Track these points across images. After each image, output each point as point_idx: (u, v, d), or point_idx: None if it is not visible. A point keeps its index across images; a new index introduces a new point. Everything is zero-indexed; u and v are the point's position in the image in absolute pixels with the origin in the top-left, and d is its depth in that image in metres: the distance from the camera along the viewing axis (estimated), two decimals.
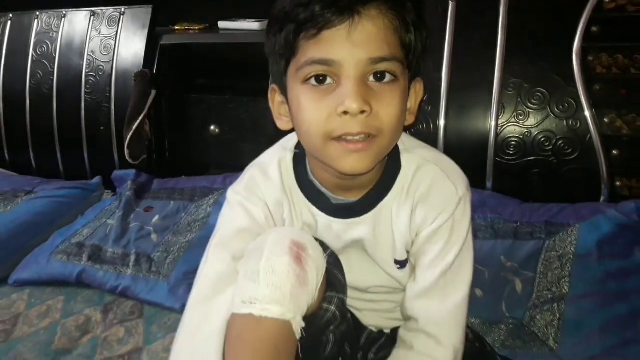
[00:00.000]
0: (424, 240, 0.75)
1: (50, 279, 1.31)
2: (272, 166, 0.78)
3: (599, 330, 0.95)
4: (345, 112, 0.63)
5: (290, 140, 0.80)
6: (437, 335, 0.74)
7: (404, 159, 0.75)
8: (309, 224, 0.78)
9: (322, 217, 0.77)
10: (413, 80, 0.71)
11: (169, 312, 1.18)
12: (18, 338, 1.14)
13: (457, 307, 0.75)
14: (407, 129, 0.77)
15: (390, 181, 0.75)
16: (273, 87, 0.73)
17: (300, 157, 0.78)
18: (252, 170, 0.79)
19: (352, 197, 0.76)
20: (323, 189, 0.76)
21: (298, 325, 0.67)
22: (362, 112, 0.62)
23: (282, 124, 0.74)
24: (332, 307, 0.73)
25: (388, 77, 0.65)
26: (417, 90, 0.73)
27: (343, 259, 0.79)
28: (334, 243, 0.78)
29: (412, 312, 0.77)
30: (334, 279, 0.75)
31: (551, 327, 0.97)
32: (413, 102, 0.73)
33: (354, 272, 0.80)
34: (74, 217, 1.51)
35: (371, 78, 0.64)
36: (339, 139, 0.65)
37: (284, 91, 0.71)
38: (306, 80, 0.65)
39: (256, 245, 0.70)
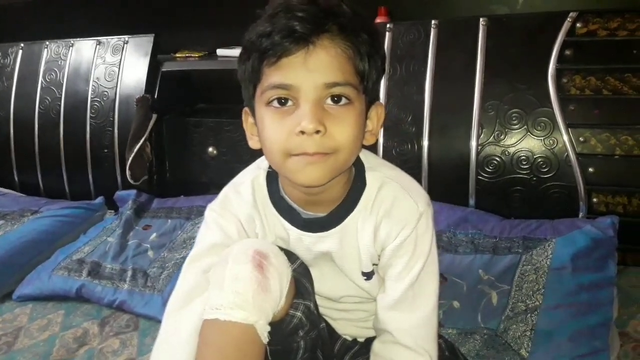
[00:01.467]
0: (390, 255, 0.79)
1: (51, 294, 1.37)
2: (244, 185, 0.84)
3: (568, 340, 0.98)
4: (302, 132, 0.68)
5: (265, 161, 0.86)
6: (413, 346, 0.78)
7: (369, 176, 0.81)
8: (282, 237, 0.83)
9: (294, 231, 0.82)
10: (372, 104, 0.77)
11: None
12: (18, 350, 1.20)
13: (427, 318, 0.80)
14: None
15: (355, 198, 0.80)
16: (245, 110, 0.80)
17: (272, 175, 0.84)
18: (227, 189, 0.86)
19: (321, 213, 0.81)
20: (294, 205, 0.81)
21: (262, 329, 0.72)
22: (317, 132, 0.68)
23: (253, 143, 0.80)
24: (298, 313, 0.78)
25: (344, 100, 0.71)
26: (379, 113, 0.78)
27: (314, 270, 0.84)
28: (305, 255, 0.83)
29: (385, 324, 0.81)
30: (302, 287, 0.80)
31: (524, 337, 1.01)
32: (375, 124, 0.78)
33: (326, 283, 0.85)
34: (76, 235, 1.58)
35: (328, 101, 0.70)
36: (295, 155, 0.71)
37: (253, 113, 0.77)
38: (269, 103, 0.71)
39: (223, 256, 0.76)
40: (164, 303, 1.23)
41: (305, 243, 0.82)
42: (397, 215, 0.78)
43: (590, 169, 1.28)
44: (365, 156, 0.82)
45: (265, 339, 0.72)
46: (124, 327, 1.26)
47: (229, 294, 0.71)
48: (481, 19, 1.38)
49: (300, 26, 0.67)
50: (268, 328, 0.73)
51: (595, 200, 1.29)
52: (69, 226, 1.61)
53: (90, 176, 1.84)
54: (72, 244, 1.53)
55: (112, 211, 1.77)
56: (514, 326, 1.04)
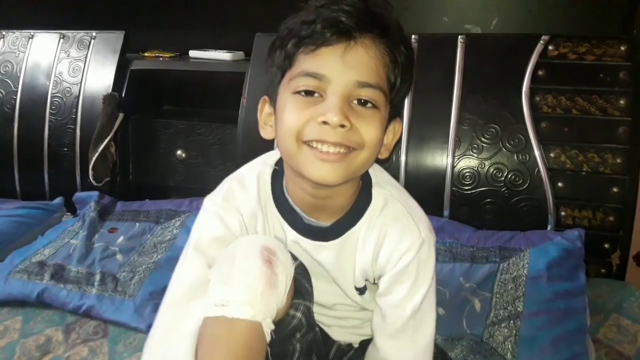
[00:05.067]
0: (390, 281, 0.78)
1: (7, 299, 1.27)
2: (250, 179, 0.82)
3: (551, 345, 1.02)
4: (325, 123, 0.68)
5: (271, 157, 0.84)
6: None
7: (375, 192, 0.80)
8: (280, 238, 0.82)
9: (291, 234, 0.80)
10: (393, 119, 0.77)
11: (134, 332, 1.17)
12: None
13: (426, 347, 0.80)
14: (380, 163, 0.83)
15: (360, 211, 0.79)
16: (264, 98, 0.79)
17: (278, 173, 0.82)
18: (231, 182, 0.83)
19: (323, 221, 0.79)
20: (296, 208, 0.79)
21: (268, 327, 0.70)
22: (342, 126, 0.68)
23: (265, 132, 0.78)
24: (299, 314, 0.76)
25: (370, 105, 0.71)
26: (396, 130, 0.78)
27: (310, 275, 0.82)
28: (301, 258, 0.81)
29: (385, 353, 0.80)
30: (301, 287, 0.78)
31: (508, 342, 1.04)
32: (390, 139, 0.78)
33: (320, 289, 0.84)
34: (33, 237, 1.48)
35: (355, 102, 0.70)
36: (312, 145, 0.69)
37: (273, 102, 0.76)
38: (296, 92, 0.70)
39: (227, 252, 0.73)
40: (136, 309, 1.20)
41: (301, 248, 0.81)
42: (399, 238, 0.77)
43: (559, 184, 1.35)
44: (374, 171, 0.82)
45: (268, 337, 0.70)
46: (91, 334, 1.18)
47: (239, 288, 0.69)
48: (459, 37, 1.43)
49: (346, 19, 0.67)
50: (272, 326, 0.71)
51: (563, 213, 1.35)
52: (24, 227, 1.51)
53: (46, 176, 1.73)
54: (29, 246, 1.43)
55: (70, 214, 1.67)
56: (498, 332, 1.07)
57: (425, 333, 0.80)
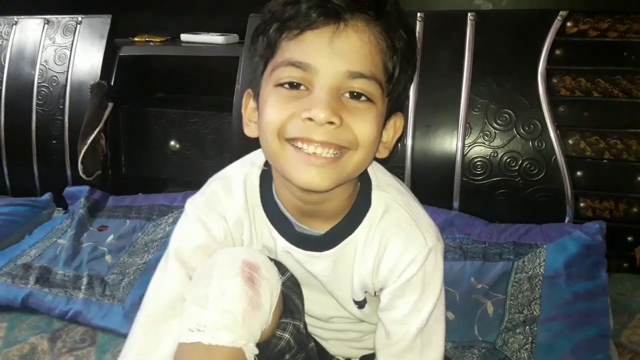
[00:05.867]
0: (392, 294, 0.70)
1: None
2: (236, 182, 0.74)
3: (570, 354, 0.94)
4: (310, 119, 0.59)
5: (261, 156, 0.75)
6: None
7: (375, 195, 0.71)
8: (269, 247, 0.74)
9: (282, 242, 0.72)
10: (393, 114, 0.68)
11: (124, 339, 1.09)
12: None
13: None
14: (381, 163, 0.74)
15: (358, 218, 0.71)
16: (248, 91, 0.70)
17: (267, 175, 0.73)
18: (215, 184, 0.75)
19: (316, 229, 0.71)
20: (287, 214, 0.71)
21: (251, 352, 0.63)
22: (331, 123, 0.59)
23: (249, 130, 0.70)
24: (286, 335, 0.69)
25: (364, 98, 0.62)
26: (397, 126, 0.69)
27: (303, 287, 0.75)
28: (293, 269, 0.74)
29: None
30: (291, 304, 0.71)
31: (524, 350, 0.96)
32: (390, 136, 0.69)
33: (315, 302, 0.77)
34: (20, 237, 1.42)
35: (346, 95, 0.61)
36: (297, 146, 0.61)
37: (257, 95, 0.67)
38: (279, 84, 0.61)
39: (204, 268, 0.66)
40: (125, 314, 1.13)
41: (293, 258, 0.73)
42: (402, 248, 0.69)
43: (579, 173, 1.26)
44: (375, 172, 0.73)
45: None
46: (78, 341, 1.12)
47: (214, 313, 0.61)
48: (469, 14, 1.33)
49: None
50: (256, 351, 0.63)
51: (582, 204, 1.26)
52: (11, 226, 1.44)
53: (35, 170, 1.67)
54: (15, 246, 1.37)
55: (61, 209, 1.61)
56: (513, 339, 0.98)
57: (434, 350, 0.73)
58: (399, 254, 0.69)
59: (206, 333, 0.61)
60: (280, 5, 0.61)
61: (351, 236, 0.71)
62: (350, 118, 0.60)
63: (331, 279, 0.73)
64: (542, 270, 1.10)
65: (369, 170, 0.72)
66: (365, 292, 0.75)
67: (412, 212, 0.71)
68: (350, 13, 0.59)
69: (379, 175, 0.73)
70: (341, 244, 0.71)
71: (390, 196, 0.71)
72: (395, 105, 0.67)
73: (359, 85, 0.60)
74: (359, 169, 0.65)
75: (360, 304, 0.76)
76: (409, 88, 0.68)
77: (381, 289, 0.72)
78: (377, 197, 0.71)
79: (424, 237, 0.69)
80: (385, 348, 0.73)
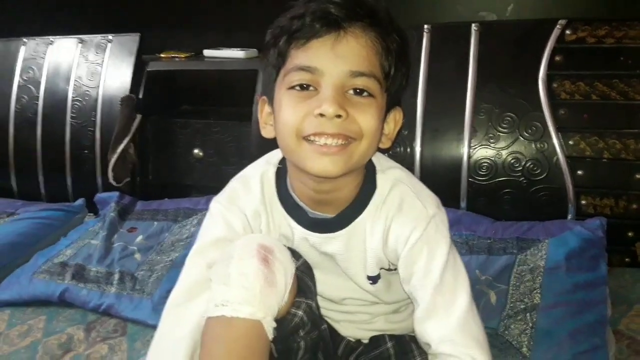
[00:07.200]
0: (406, 262, 0.76)
1: (31, 298, 1.30)
2: (254, 179, 0.83)
3: (568, 337, 0.99)
4: (322, 115, 0.68)
5: (275, 156, 0.85)
6: (454, 353, 0.72)
7: (379, 179, 0.80)
8: (286, 235, 0.82)
9: (299, 230, 0.81)
10: (392, 107, 0.76)
11: (153, 330, 1.16)
12: None
13: (463, 320, 0.74)
14: (383, 152, 0.83)
15: (365, 200, 0.79)
16: (263, 98, 0.79)
17: (282, 171, 0.82)
18: (235, 182, 0.84)
19: (329, 214, 0.79)
20: (301, 203, 0.80)
21: (269, 325, 0.70)
22: (338, 116, 0.68)
23: (266, 132, 0.79)
24: (300, 312, 0.76)
25: (365, 94, 0.71)
26: (397, 118, 0.78)
27: (317, 271, 0.82)
28: (309, 254, 0.81)
29: (424, 337, 0.76)
30: (304, 285, 0.78)
31: (524, 335, 1.02)
32: (391, 128, 0.78)
33: (329, 284, 0.84)
34: (56, 238, 1.51)
35: (350, 92, 0.70)
36: (311, 140, 0.70)
37: (272, 101, 0.76)
38: (291, 87, 0.71)
39: (226, 253, 0.74)
40: (154, 307, 1.22)
41: (310, 243, 0.81)
42: (405, 218, 0.77)
43: (579, 172, 1.31)
44: (377, 159, 0.82)
45: (271, 335, 0.71)
46: (111, 332, 1.20)
47: (237, 289, 0.69)
48: (473, 25, 1.40)
49: (334, 9, 0.68)
50: (274, 324, 0.71)
51: (583, 202, 1.31)
52: (48, 228, 1.55)
53: (68, 178, 1.77)
54: (52, 247, 1.46)
55: (92, 214, 1.71)
56: (514, 325, 1.04)
57: (457, 307, 0.75)
58: (402, 223, 0.76)
59: (229, 307, 0.68)
60: (287, 20, 0.71)
61: (361, 216, 0.79)
62: (354, 111, 0.70)
63: (345, 256, 0.81)
64: (543, 262, 1.16)
65: (373, 158, 0.80)
66: (381, 268, 0.82)
67: (413, 185, 0.79)
68: (349, 22, 0.69)
69: (382, 162, 0.82)
70: (352, 224, 0.79)
71: (392, 176, 0.80)
72: (393, 100, 0.76)
73: (360, 82, 0.70)
74: (366, 157, 0.74)
75: (374, 280, 0.82)
76: (405, 84, 0.76)
77: (396, 260, 0.79)
78: (382, 179, 0.80)
79: (424, 206, 0.76)
80: (415, 315, 0.76)
